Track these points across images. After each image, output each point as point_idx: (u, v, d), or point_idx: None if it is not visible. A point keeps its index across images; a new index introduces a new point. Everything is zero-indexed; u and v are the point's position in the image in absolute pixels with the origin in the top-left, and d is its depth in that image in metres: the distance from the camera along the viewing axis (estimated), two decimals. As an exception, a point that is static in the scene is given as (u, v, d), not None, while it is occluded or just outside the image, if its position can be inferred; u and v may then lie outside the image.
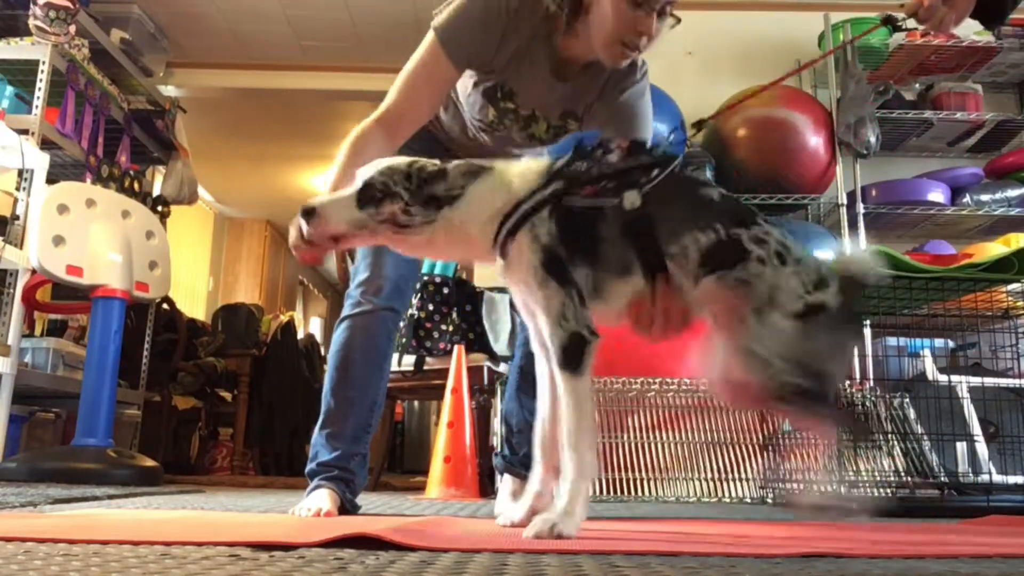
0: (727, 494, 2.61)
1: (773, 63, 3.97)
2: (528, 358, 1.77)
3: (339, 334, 1.71)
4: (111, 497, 2.04)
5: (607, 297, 1.30)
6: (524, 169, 1.34)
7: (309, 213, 1.31)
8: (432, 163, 1.35)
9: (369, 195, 1.31)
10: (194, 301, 7.13)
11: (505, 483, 1.83)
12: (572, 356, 1.24)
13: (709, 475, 2.66)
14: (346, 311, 1.72)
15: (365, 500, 2.39)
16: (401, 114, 1.61)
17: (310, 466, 1.69)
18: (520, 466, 1.79)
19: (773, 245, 1.31)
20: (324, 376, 1.74)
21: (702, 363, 1.41)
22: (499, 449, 1.88)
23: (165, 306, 4.62)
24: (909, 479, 2.25)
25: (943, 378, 2.37)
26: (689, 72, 3.99)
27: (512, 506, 1.68)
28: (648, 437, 2.74)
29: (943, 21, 1.50)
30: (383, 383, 1.74)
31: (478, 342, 3.01)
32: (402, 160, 1.35)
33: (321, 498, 1.61)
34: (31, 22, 3.37)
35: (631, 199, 1.28)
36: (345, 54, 4.93)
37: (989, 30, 3.20)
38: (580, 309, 1.25)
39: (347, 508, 1.66)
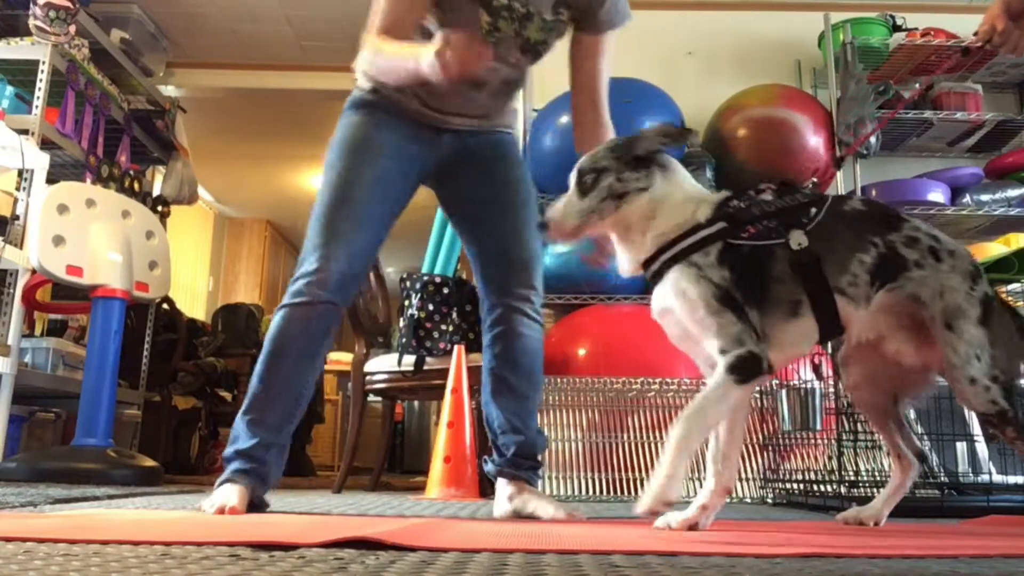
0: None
1: (773, 63, 3.98)
2: (498, 360, 1.80)
3: (276, 321, 1.68)
4: (111, 497, 2.04)
5: (775, 343, 1.34)
6: (698, 196, 1.42)
7: (543, 227, 1.47)
8: (628, 136, 1.47)
9: (583, 181, 1.44)
10: (194, 301, 7.12)
11: (501, 487, 1.81)
12: (742, 369, 1.28)
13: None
14: (287, 299, 1.68)
15: (364, 500, 2.39)
16: (394, 23, 1.64)
17: (228, 450, 1.67)
18: (512, 467, 1.79)
19: (925, 241, 1.41)
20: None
21: (860, 381, 1.55)
22: (489, 455, 1.86)
23: (165, 306, 4.62)
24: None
25: (943, 378, 2.37)
26: (689, 72, 3.99)
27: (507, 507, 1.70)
28: (648, 437, 2.74)
29: (1018, 45, 1.55)
30: (312, 377, 1.71)
31: (478, 342, 3.01)
32: (600, 146, 1.48)
33: (229, 494, 1.59)
34: (31, 22, 3.37)
35: (797, 239, 1.35)
36: (345, 54, 4.86)
37: None
38: (759, 339, 1.31)
39: (256, 504, 1.64)
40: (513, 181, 1.84)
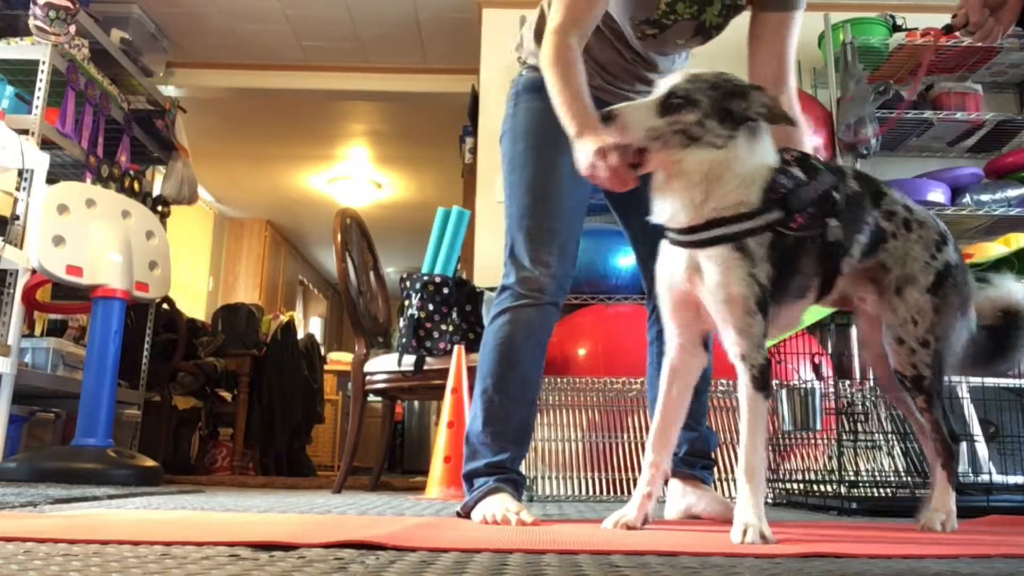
0: (727, 494, 2.61)
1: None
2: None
3: (499, 327, 1.60)
4: (111, 497, 2.04)
5: (771, 325, 1.33)
6: (763, 168, 1.32)
7: (609, 117, 1.28)
8: (740, 79, 1.35)
9: (672, 102, 1.30)
10: (194, 301, 7.12)
11: (674, 487, 1.73)
12: (765, 381, 1.28)
13: (709, 475, 2.66)
14: (506, 303, 1.61)
15: (364, 500, 2.39)
16: (580, 16, 1.54)
17: (474, 465, 1.57)
18: (686, 466, 1.72)
19: (900, 214, 1.43)
20: (480, 370, 1.62)
21: (873, 359, 1.57)
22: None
23: (165, 306, 4.62)
24: (909, 479, 2.25)
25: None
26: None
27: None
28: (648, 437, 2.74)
29: (991, 33, 1.59)
30: (540, 381, 1.65)
31: (478, 342, 3.00)
32: (710, 71, 1.34)
33: (508, 503, 1.48)
34: (31, 22, 3.36)
35: (835, 233, 1.34)
36: (345, 54, 4.92)
37: None
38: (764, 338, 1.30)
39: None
40: None
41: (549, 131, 1.63)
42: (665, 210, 1.34)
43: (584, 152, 1.37)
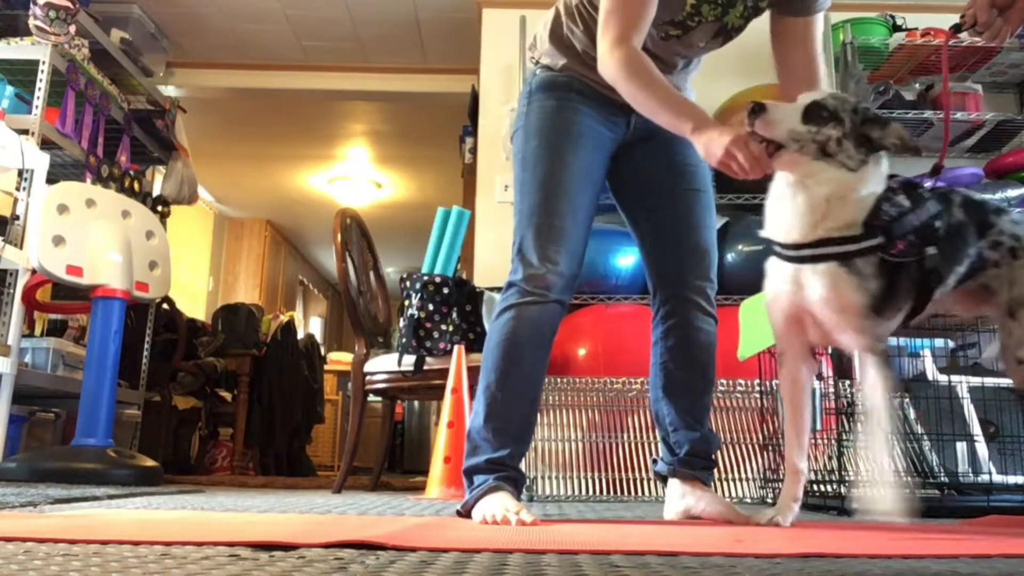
0: (727, 494, 2.61)
1: (773, 63, 3.97)
2: (672, 354, 1.72)
3: (504, 323, 1.60)
4: (111, 497, 2.04)
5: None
6: (872, 194, 1.40)
7: (758, 110, 1.36)
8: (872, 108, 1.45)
9: (817, 113, 1.38)
10: (194, 301, 7.12)
11: (673, 487, 1.74)
12: (888, 364, 1.38)
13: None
14: (512, 300, 1.60)
15: (364, 500, 2.39)
16: (636, 20, 1.55)
17: (474, 461, 1.58)
18: (687, 466, 1.72)
19: (1007, 243, 1.50)
20: (483, 367, 1.62)
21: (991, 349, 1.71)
22: (659, 455, 1.80)
23: (165, 306, 4.62)
24: (909, 479, 2.25)
25: (943, 378, 2.37)
26: (689, 72, 3.98)
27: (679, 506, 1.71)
28: (648, 437, 2.74)
29: (1000, 33, 1.61)
30: (543, 378, 1.65)
31: (478, 342, 3.01)
32: (850, 95, 1.44)
33: (507, 502, 1.48)
34: (31, 22, 3.36)
35: (932, 261, 1.41)
36: (345, 54, 4.92)
37: None
38: None
39: None
40: (691, 166, 1.75)
41: (562, 130, 1.65)
42: (779, 225, 1.42)
43: (716, 143, 1.41)
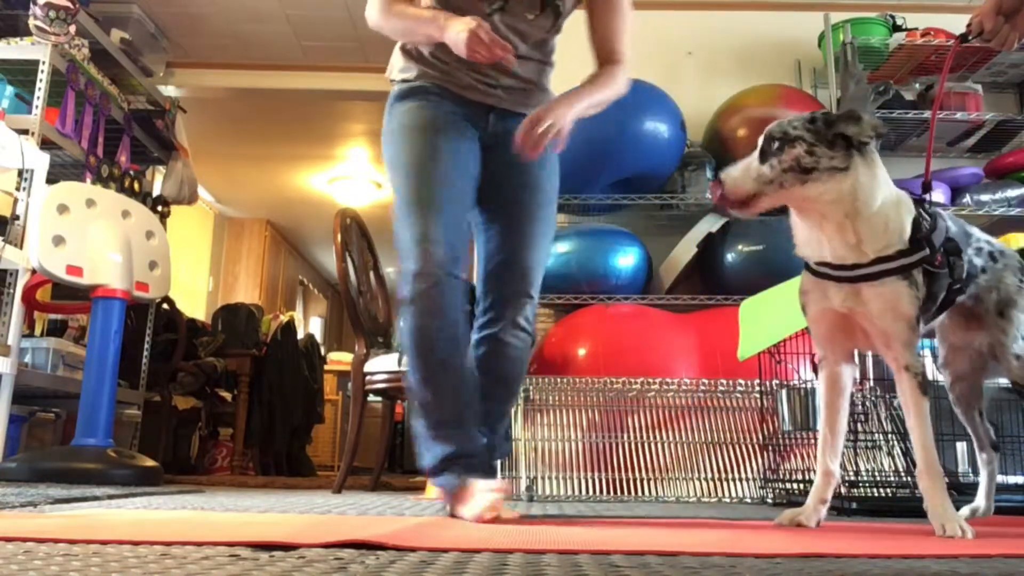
0: (727, 494, 2.61)
1: (773, 63, 3.98)
2: (479, 362, 1.74)
3: (407, 320, 1.61)
4: (111, 497, 2.04)
5: None
6: (897, 198, 1.45)
7: (719, 184, 1.44)
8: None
9: (768, 148, 1.40)
10: (194, 301, 7.12)
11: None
12: (926, 386, 1.43)
13: (709, 475, 2.66)
14: (407, 292, 1.61)
15: (364, 500, 2.39)
16: None
17: (431, 463, 1.60)
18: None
19: (986, 248, 1.58)
20: (408, 368, 1.64)
21: (954, 379, 1.79)
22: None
23: (165, 306, 4.62)
24: (909, 479, 2.25)
25: (943, 378, 2.37)
26: (689, 72, 3.99)
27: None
28: (648, 437, 2.74)
29: (1007, 40, 1.63)
30: (466, 360, 1.65)
31: (478, 342, 3.01)
32: (795, 116, 1.43)
33: (483, 492, 1.52)
34: (31, 22, 3.37)
35: (959, 272, 1.49)
36: (345, 54, 4.92)
37: None
38: None
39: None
40: (536, 183, 1.78)
41: (421, 123, 1.72)
42: (821, 249, 1.45)
43: (460, 33, 1.53)
